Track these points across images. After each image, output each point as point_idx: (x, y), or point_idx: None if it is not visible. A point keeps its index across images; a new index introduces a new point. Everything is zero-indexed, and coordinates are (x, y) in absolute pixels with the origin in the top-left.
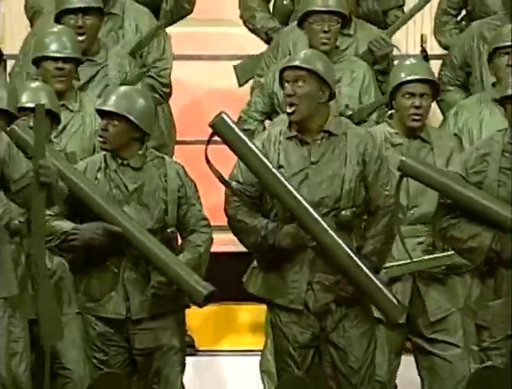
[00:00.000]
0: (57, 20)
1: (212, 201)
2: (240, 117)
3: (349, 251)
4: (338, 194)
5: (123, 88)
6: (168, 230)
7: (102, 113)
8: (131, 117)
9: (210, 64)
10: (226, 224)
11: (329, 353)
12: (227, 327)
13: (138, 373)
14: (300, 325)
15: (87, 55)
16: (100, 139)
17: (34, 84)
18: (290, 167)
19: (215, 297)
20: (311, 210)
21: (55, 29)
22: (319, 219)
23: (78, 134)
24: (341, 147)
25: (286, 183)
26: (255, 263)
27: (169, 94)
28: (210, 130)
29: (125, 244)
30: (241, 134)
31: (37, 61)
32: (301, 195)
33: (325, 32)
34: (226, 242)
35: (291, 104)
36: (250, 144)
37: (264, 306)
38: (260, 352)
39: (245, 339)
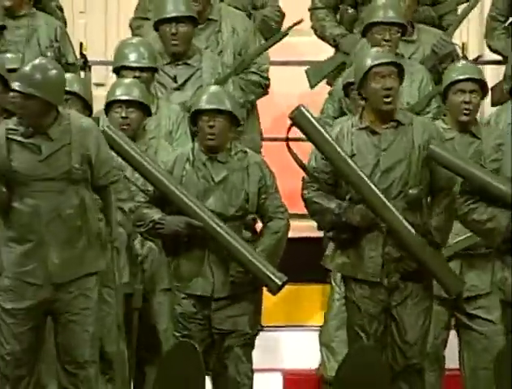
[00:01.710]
0: (156, 29)
1: (290, 191)
2: None
3: (413, 231)
4: (406, 176)
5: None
6: (249, 217)
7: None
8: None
9: (279, 69)
10: (302, 212)
11: (390, 328)
12: (289, 305)
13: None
14: (373, 299)
15: (183, 59)
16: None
17: (127, 80)
18: (363, 155)
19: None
20: (380, 194)
21: (134, 40)
22: (387, 202)
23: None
24: (408, 134)
25: (358, 170)
26: (332, 243)
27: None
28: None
29: (206, 235)
30: (317, 124)
31: (117, 70)
32: (374, 180)
33: (386, 40)
34: (302, 229)
35: (389, 96)
36: (326, 135)
37: (325, 286)
38: (319, 328)
39: (305, 316)
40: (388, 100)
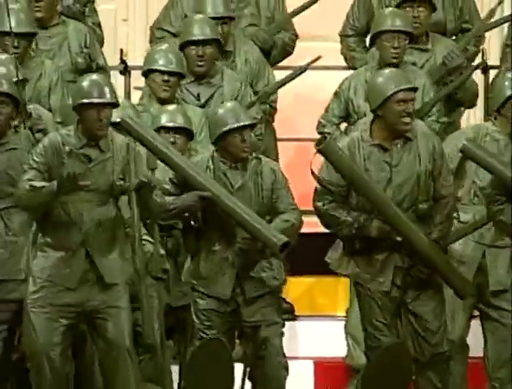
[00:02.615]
0: (181, 49)
1: (302, 190)
2: (319, 123)
3: (428, 240)
4: (416, 190)
5: None
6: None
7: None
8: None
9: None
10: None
11: (409, 321)
12: (319, 296)
13: (239, 339)
14: (388, 298)
15: (206, 78)
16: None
17: (171, 107)
18: (376, 172)
19: (309, 270)
20: (397, 209)
21: (163, 47)
22: (402, 214)
23: None
24: (414, 149)
25: (382, 194)
26: (342, 250)
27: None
28: (299, 129)
29: (216, 209)
30: (345, 156)
31: (146, 73)
32: (387, 195)
33: (394, 48)
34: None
35: (409, 119)
36: (354, 166)
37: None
38: (345, 317)
39: (333, 306)
40: (407, 121)
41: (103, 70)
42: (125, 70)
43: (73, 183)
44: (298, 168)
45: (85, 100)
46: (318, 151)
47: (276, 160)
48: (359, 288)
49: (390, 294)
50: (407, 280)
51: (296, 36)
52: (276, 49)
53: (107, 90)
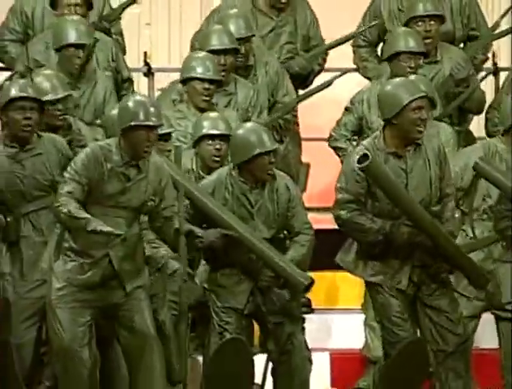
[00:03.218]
0: None
1: (320, 187)
2: (331, 136)
3: (448, 236)
4: (429, 193)
5: None
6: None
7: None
8: None
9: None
10: (329, 205)
11: (426, 315)
12: (336, 290)
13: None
14: (404, 295)
15: (224, 86)
16: None
17: (212, 114)
18: (396, 177)
19: (325, 265)
20: (426, 213)
21: (200, 54)
22: (430, 218)
23: None
24: (423, 153)
25: (412, 200)
26: (356, 252)
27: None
28: (318, 127)
29: (238, 246)
30: (389, 173)
31: (185, 81)
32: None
33: (411, 67)
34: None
35: (422, 126)
36: (397, 182)
37: None
38: (360, 310)
39: (350, 299)
40: (421, 129)
41: (129, 81)
42: (149, 72)
43: (107, 239)
44: (316, 167)
45: (134, 123)
46: (362, 169)
47: (299, 160)
48: (375, 287)
49: (406, 291)
50: (422, 277)
51: (327, 55)
52: (313, 74)
53: (156, 112)
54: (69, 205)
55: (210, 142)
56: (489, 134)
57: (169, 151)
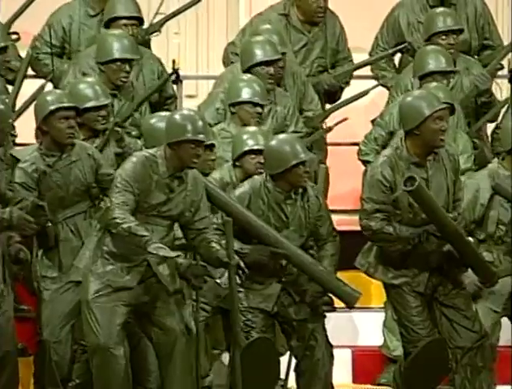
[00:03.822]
0: (248, 70)
1: (344, 190)
2: (361, 150)
3: (467, 239)
4: (446, 202)
5: None
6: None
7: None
8: None
9: None
10: (350, 207)
11: (443, 314)
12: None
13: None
14: (420, 297)
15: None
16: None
17: (251, 129)
18: None
19: (346, 265)
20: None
21: (245, 77)
22: (455, 226)
23: None
24: (440, 162)
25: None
26: (376, 256)
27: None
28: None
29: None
30: (432, 195)
31: (234, 105)
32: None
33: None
34: (352, 222)
35: (444, 135)
36: (437, 203)
37: None
38: (380, 309)
39: (369, 298)
40: (443, 138)
41: (172, 98)
42: (177, 79)
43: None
44: (340, 170)
45: (183, 138)
46: (409, 191)
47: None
48: (394, 289)
49: (425, 293)
50: (439, 280)
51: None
52: (341, 91)
53: (204, 126)
54: (128, 221)
55: (253, 156)
56: (497, 153)
57: (213, 160)
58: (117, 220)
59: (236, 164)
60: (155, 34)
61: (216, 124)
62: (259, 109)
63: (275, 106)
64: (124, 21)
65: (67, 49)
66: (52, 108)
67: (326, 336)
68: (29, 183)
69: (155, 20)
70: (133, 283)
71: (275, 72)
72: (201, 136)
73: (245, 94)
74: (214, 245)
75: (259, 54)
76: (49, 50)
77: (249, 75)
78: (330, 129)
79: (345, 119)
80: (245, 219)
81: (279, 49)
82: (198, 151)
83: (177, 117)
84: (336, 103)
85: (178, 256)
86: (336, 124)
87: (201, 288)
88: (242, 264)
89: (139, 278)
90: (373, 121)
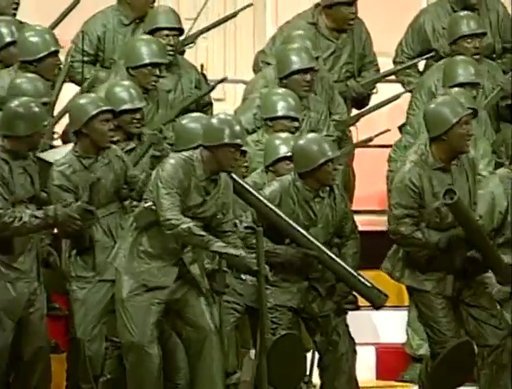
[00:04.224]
0: (285, 77)
1: (369, 190)
2: (390, 157)
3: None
4: (469, 205)
5: None
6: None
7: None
8: None
9: None
10: (374, 208)
11: (469, 314)
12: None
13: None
14: (446, 299)
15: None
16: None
17: (283, 135)
18: (441, 193)
19: (371, 264)
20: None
21: (280, 91)
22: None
23: None
24: (462, 167)
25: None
26: (402, 260)
27: None
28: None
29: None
30: (469, 210)
31: (270, 119)
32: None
33: (474, 97)
34: (375, 222)
35: (469, 140)
36: (472, 214)
37: None
38: (404, 308)
39: (393, 297)
40: (469, 143)
41: (209, 106)
42: (205, 82)
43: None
44: (365, 171)
45: (220, 142)
46: (446, 204)
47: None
48: (420, 292)
49: (451, 295)
50: (464, 282)
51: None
52: (368, 98)
53: (241, 130)
54: (185, 221)
55: (288, 162)
56: None
57: (246, 167)
58: (174, 222)
59: (270, 169)
60: (190, 45)
61: (253, 129)
62: (296, 124)
63: (309, 111)
64: (166, 32)
65: (101, 56)
66: (94, 112)
67: (349, 331)
68: (68, 185)
69: (191, 32)
70: (168, 282)
71: (311, 79)
72: (239, 140)
73: (282, 109)
74: (231, 238)
75: (296, 62)
76: (85, 59)
77: (283, 89)
78: (370, 139)
79: (387, 130)
80: (278, 218)
81: (313, 54)
82: (237, 155)
83: (216, 120)
84: (367, 107)
85: (242, 253)
86: (377, 135)
87: (224, 293)
88: (270, 276)
89: (174, 277)
90: (400, 128)
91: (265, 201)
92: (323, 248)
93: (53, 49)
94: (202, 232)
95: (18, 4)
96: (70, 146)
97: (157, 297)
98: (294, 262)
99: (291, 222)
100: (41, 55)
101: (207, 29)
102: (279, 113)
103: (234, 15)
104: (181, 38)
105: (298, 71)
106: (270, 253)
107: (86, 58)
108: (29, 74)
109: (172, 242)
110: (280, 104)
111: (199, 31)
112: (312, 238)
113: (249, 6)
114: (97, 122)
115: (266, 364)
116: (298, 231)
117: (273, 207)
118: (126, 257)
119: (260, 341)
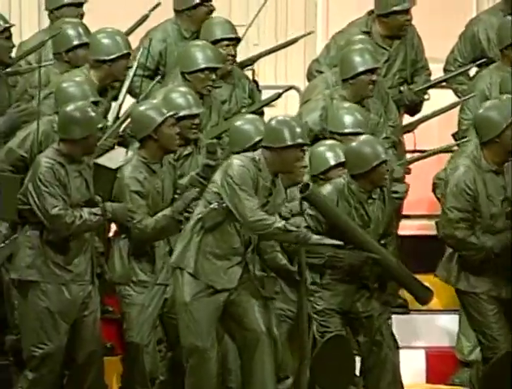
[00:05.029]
0: (350, 78)
1: (419, 195)
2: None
3: None
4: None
5: None
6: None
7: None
8: None
9: None
10: (425, 212)
11: None
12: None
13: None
14: (497, 304)
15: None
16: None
17: (329, 142)
18: (494, 197)
19: (421, 268)
20: None
21: (346, 105)
22: None
23: None
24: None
25: None
26: (457, 265)
27: None
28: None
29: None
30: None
31: (339, 134)
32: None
33: None
34: (426, 227)
35: None
36: None
37: None
38: (454, 312)
39: (442, 301)
40: None
41: (261, 115)
42: (257, 89)
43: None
44: (418, 176)
45: (284, 144)
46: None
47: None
48: (472, 296)
49: (506, 297)
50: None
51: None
52: (421, 105)
53: (303, 131)
54: (276, 220)
55: (340, 168)
56: None
57: (305, 167)
58: (266, 222)
59: (321, 177)
60: (249, 68)
61: (319, 130)
62: (374, 77)
63: (369, 113)
64: (225, 42)
65: (161, 70)
66: (163, 118)
67: (392, 332)
68: (143, 191)
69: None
70: (232, 284)
71: (376, 79)
72: (301, 140)
73: (349, 126)
74: (280, 255)
75: (362, 63)
76: (141, 72)
77: (349, 103)
78: (434, 153)
79: (465, 99)
80: (342, 222)
81: (375, 55)
82: (300, 156)
83: (280, 122)
84: (426, 114)
85: (340, 246)
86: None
87: (273, 298)
88: (340, 252)
89: (238, 278)
90: (454, 135)
91: (331, 206)
92: (381, 248)
93: (125, 51)
94: (295, 228)
95: (82, 16)
96: (122, 150)
97: (220, 300)
98: (356, 265)
99: (356, 226)
100: (114, 56)
101: (268, 52)
102: (347, 131)
103: (295, 41)
104: (240, 60)
105: (364, 72)
106: (333, 258)
107: (146, 73)
108: (77, 78)
109: (237, 242)
110: (347, 118)
111: (260, 53)
112: (372, 240)
113: (309, 33)
114: (165, 127)
115: (307, 370)
116: (360, 234)
117: (339, 212)
118: (194, 258)
119: (301, 349)
